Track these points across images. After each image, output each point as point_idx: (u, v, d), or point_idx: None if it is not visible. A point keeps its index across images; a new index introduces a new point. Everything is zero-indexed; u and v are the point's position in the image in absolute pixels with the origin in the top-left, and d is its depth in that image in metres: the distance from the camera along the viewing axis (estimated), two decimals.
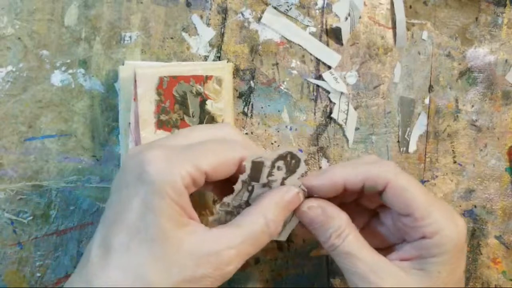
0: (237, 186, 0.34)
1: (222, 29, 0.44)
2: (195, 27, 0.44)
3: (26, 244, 0.41)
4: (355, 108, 0.47)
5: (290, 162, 0.34)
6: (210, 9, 0.44)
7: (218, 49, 0.44)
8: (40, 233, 0.41)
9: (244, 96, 0.45)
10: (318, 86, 0.46)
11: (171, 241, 0.30)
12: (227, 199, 0.34)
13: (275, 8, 0.45)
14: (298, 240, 0.46)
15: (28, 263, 0.41)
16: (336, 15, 0.46)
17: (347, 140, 0.46)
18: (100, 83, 0.42)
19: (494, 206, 0.49)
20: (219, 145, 0.33)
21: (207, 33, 0.44)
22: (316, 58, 0.46)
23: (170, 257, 0.29)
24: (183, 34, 0.44)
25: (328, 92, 0.46)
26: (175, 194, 0.30)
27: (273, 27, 0.45)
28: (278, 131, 0.45)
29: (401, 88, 0.48)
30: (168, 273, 0.29)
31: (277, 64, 0.45)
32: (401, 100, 0.48)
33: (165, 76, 0.40)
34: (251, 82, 0.45)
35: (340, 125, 0.46)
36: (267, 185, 0.34)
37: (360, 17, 0.47)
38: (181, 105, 0.40)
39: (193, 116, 0.41)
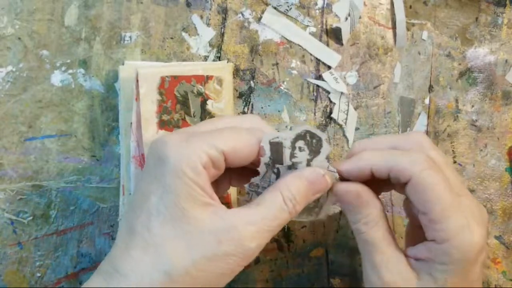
0: (261, 169, 0.33)
1: (222, 29, 0.44)
2: (195, 27, 0.44)
3: (26, 244, 0.41)
4: (355, 108, 0.47)
5: (311, 141, 0.33)
6: (210, 9, 0.44)
7: (218, 49, 0.44)
8: (40, 233, 0.41)
9: (244, 96, 0.45)
10: (318, 86, 0.46)
11: (191, 220, 0.30)
12: (255, 179, 0.34)
13: (275, 8, 0.45)
14: (298, 240, 0.46)
15: (28, 263, 0.41)
16: (336, 15, 0.46)
17: (347, 140, 0.46)
18: (100, 83, 0.42)
19: (494, 206, 0.49)
20: (239, 129, 0.33)
21: (207, 33, 0.44)
22: (316, 58, 0.46)
23: (190, 236, 0.30)
24: (183, 34, 0.44)
25: (328, 92, 0.46)
26: (193, 173, 0.30)
27: (273, 27, 0.45)
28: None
29: (401, 88, 0.48)
30: (189, 251, 0.29)
31: (277, 64, 0.45)
32: (401, 100, 0.48)
33: (166, 76, 0.40)
34: (251, 82, 0.45)
35: (340, 125, 0.46)
36: (293, 167, 0.34)
37: (360, 17, 0.47)
38: (182, 105, 0.40)
39: (194, 116, 0.41)
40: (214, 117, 0.42)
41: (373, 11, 0.47)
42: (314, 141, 0.34)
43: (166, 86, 0.40)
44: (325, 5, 0.46)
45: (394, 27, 0.47)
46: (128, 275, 0.29)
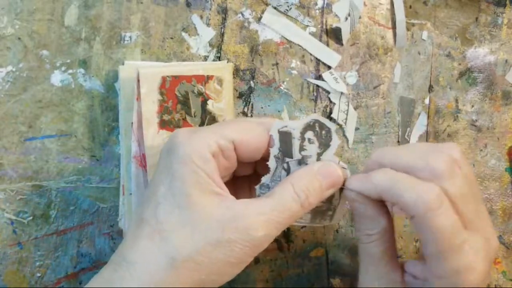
0: (271, 164, 0.33)
1: (222, 29, 0.44)
2: (195, 27, 0.44)
3: (26, 244, 0.41)
4: (355, 108, 0.47)
5: (320, 133, 0.33)
6: (210, 9, 0.44)
7: (218, 49, 0.44)
8: (40, 233, 0.41)
9: (244, 96, 0.45)
10: (318, 86, 0.46)
11: (197, 207, 0.30)
12: (265, 179, 0.33)
13: (275, 8, 0.45)
14: (298, 240, 0.46)
15: (28, 263, 0.41)
16: (336, 15, 0.46)
17: (347, 140, 0.46)
18: (100, 83, 0.42)
19: (494, 206, 0.49)
20: (250, 121, 0.34)
21: (207, 33, 0.44)
22: (316, 58, 0.46)
23: (195, 222, 0.30)
24: (183, 34, 0.44)
25: (328, 92, 0.46)
26: (201, 161, 0.30)
27: (273, 27, 0.45)
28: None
29: (401, 88, 0.48)
30: (193, 238, 0.30)
31: (277, 64, 0.45)
32: (401, 100, 0.48)
33: (167, 76, 0.40)
34: (251, 82, 0.45)
35: (340, 125, 0.46)
36: (303, 162, 0.33)
37: (360, 17, 0.47)
38: (183, 105, 0.40)
39: (194, 116, 0.41)
40: (214, 116, 0.42)
41: (373, 11, 0.47)
42: (323, 132, 0.33)
43: (167, 86, 0.40)
44: (325, 5, 0.46)
45: (394, 27, 0.47)
46: (135, 262, 0.30)
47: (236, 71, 0.45)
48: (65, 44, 0.42)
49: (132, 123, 0.40)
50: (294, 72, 0.46)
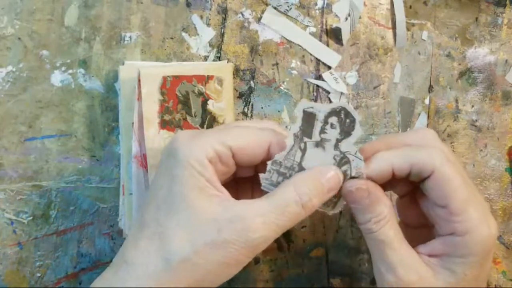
0: (289, 141, 0.33)
1: (222, 29, 0.44)
2: (195, 27, 0.44)
3: (26, 244, 0.41)
4: (355, 108, 0.47)
5: (345, 120, 0.33)
6: (210, 9, 0.44)
7: (218, 49, 0.44)
8: (40, 233, 0.41)
9: (244, 96, 0.45)
10: (318, 86, 0.46)
11: (195, 210, 0.30)
12: (279, 157, 0.33)
13: (275, 8, 0.45)
14: (298, 240, 0.46)
15: (28, 263, 0.41)
16: (336, 15, 0.46)
17: None
18: (100, 83, 0.42)
19: (494, 206, 0.49)
20: (249, 128, 0.34)
21: (207, 33, 0.44)
22: (316, 58, 0.46)
23: (193, 224, 0.30)
24: (183, 34, 0.44)
25: (328, 92, 0.46)
26: (199, 165, 0.31)
27: (273, 27, 0.45)
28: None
29: (401, 88, 0.48)
30: (191, 240, 0.30)
31: (277, 64, 0.45)
32: (401, 100, 0.48)
33: (168, 76, 0.40)
34: (251, 82, 0.45)
35: None
36: (320, 145, 0.33)
37: (360, 17, 0.47)
38: (183, 105, 0.40)
39: (195, 116, 0.41)
40: (214, 116, 0.42)
41: (373, 11, 0.47)
42: (348, 120, 0.33)
43: (168, 86, 0.40)
44: (325, 5, 0.46)
45: (394, 27, 0.47)
46: (134, 264, 0.30)
47: (236, 71, 0.45)
48: (65, 44, 0.42)
49: (132, 123, 0.40)
50: (294, 72, 0.46)
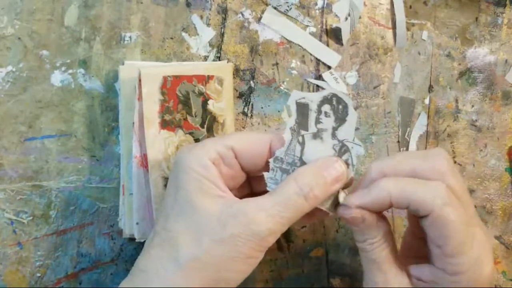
0: (287, 136, 0.33)
1: (222, 29, 0.44)
2: (195, 27, 0.44)
3: (26, 244, 0.41)
4: (355, 108, 0.47)
5: (337, 107, 0.33)
6: (210, 9, 0.44)
7: (218, 49, 0.44)
8: (40, 233, 0.41)
9: (244, 96, 0.45)
10: (318, 86, 0.46)
11: (201, 211, 0.31)
12: (279, 153, 0.33)
13: (275, 8, 0.45)
14: (298, 240, 0.46)
15: (28, 263, 0.41)
16: (336, 15, 0.46)
17: None
18: (100, 83, 0.42)
19: (494, 206, 0.49)
20: (249, 131, 0.35)
21: (207, 33, 0.44)
22: (316, 58, 0.46)
23: (199, 225, 0.31)
24: (183, 34, 0.44)
25: None
26: (201, 168, 0.32)
27: (273, 27, 0.45)
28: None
29: (401, 88, 0.48)
30: (198, 238, 0.30)
31: (277, 64, 0.45)
32: (401, 100, 0.48)
33: (168, 76, 0.40)
34: (251, 82, 0.45)
35: None
36: (318, 136, 0.33)
37: (360, 17, 0.47)
38: (184, 104, 0.40)
39: (195, 116, 0.41)
40: (215, 116, 0.42)
41: (373, 11, 0.47)
42: (340, 106, 0.33)
43: (168, 86, 0.40)
44: (325, 5, 0.46)
45: (394, 27, 0.47)
46: (147, 270, 0.31)
47: (236, 71, 0.45)
48: (65, 44, 0.42)
49: (133, 123, 0.40)
50: (294, 72, 0.46)
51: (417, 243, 0.37)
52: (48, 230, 0.42)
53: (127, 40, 0.43)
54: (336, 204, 0.35)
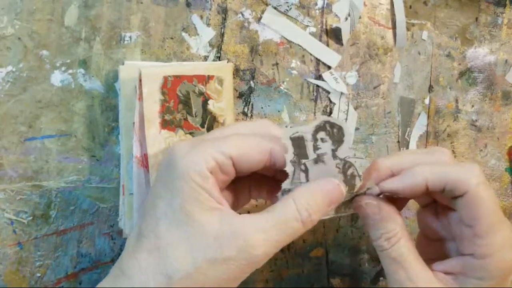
0: (289, 168, 0.33)
1: (222, 29, 0.44)
2: (195, 27, 0.44)
3: (26, 244, 0.41)
4: (355, 108, 0.47)
5: (332, 131, 0.33)
6: (210, 9, 0.44)
7: (218, 49, 0.44)
8: (40, 233, 0.41)
9: (244, 96, 0.45)
10: (318, 86, 0.46)
11: (195, 224, 0.30)
12: (285, 185, 0.33)
13: (275, 8, 0.45)
14: (298, 240, 0.46)
15: (28, 263, 0.41)
16: (336, 15, 0.46)
17: None
18: (100, 83, 0.42)
19: None
20: (247, 135, 0.33)
21: (207, 33, 0.44)
22: (316, 58, 0.46)
23: (193, 239, 0.30)
24: (183, 34, 0.44)
25: (328, 92, 0.46)
26: (200, 178, 0.31)
27: (273, 27, 0.45)
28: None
29: (401, 88, 0.48)
30: (191, 255, 0.30)
31: (277, 64, 0.45)
32: (401, 100, 0.48)
33: (169, 76, 0.40)
34: (251, 82, 0.45)
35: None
36: (319, 161, 0.33)
37: (360, 17, 0.47)
38: (184, 104, 0.40)
39: (196, 116, 0.41)
40: (215, 116, 0.42)
41: (373, 11, 0.47)
42: (335, 130, 0.33)
43: (169, 85, 0.40)
44: (325, 5, 0.46)
45: (394, 27, 0.47)
46: (133, 276, 0.30)
47: (236, 71, 0.45)
48: (65, 44, 0.42)
49: (133, 123, 0.40)
50: (294, 72, 0.46)
51: (432, 245, 0.37)
52: (48, 230, 0.42)
53: (127, 40, 0.43)
54: (339, 205, 0.35)
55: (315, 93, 0.46)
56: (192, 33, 0.44)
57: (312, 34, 0.46)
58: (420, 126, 0.48)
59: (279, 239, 0.31)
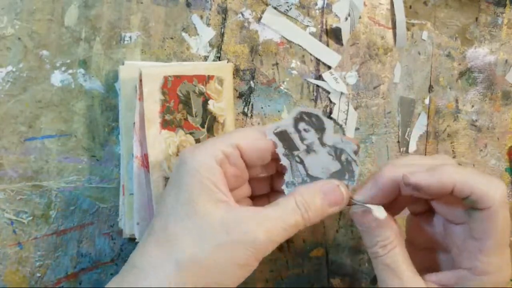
0: (284, 161, 0.34)
1: (222, 29, 0.44)
2: (195, 27, 0.44)
3: (26, 244, 0.41)
4: (355, 108, 0.47)
5: (311, 120, 0.34)
6: (210, 9, 0.44)
7: (218, 49, 0.44)
8: (40, 233, 0.41)
9: (244, 96, 0.45)
10: (318, 86, 0.46)
11: (203, 215, 0.31)
12: (287, 177, 0.34)
13: (275, 8, 0.45)
14: (298, 240, 0.46)
15: (28, 263, 0.41)
16: (336, 15, 0.46)
17: None
18: (100, 83, 0.42)
19: None
20: (251, 127, 0.35)
21: (207, 33, 0.44)
22: (316, 58, 0.46)
23: (201, 228, 0.31)
24: (183, 34, 0.44)
25: (328, 92, 0.46)
26: (207, 171, 0.32)
27: (273, 27, 0.45)
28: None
29: (401, 88, 0.48)
30: (199, 242, 0.31)
31: (277, 64, 0.45)
32: (401, 100, 0.48)
33: (169, 76, 0.40)
34: (251, 82, 0.45)
35: (340, 125, 0.46)
36: (311, 150, 0.34)
37: (360, 17, 0.47)
38: (184, 104, 0.40)
39: (196, 116, 0.41)
40: (215, 116, 0.42)
41: (373, 11, 0.47)
42: (313, 119, 0.34)
43: (169, 85, 0.40)
44: (325, 5, 0.46)
45: (394, 27, 0.47)
46: (144, 268, 0.31)
47: (236, 71, 0.45)
48: (65, 44, 0.42)
49: (134, 123, 0.40)
50: (294, 72, 0.46)
51: (418, 254, 0.36)
52: (48, 230, 0.42)
53: (127, 40, 0.43)
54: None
55: (315, 93, 0.46)
56: (192, 33, 0.44)
57: (312, 34, 0.46)
58: (420, 126, 0.48)
59: (283, 227, 0.32)
